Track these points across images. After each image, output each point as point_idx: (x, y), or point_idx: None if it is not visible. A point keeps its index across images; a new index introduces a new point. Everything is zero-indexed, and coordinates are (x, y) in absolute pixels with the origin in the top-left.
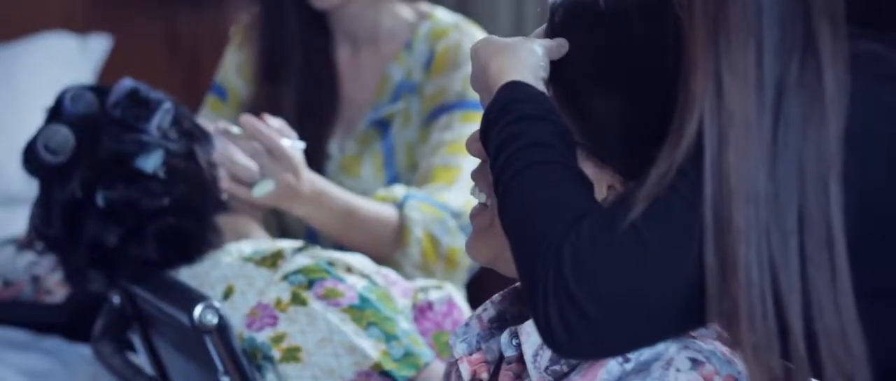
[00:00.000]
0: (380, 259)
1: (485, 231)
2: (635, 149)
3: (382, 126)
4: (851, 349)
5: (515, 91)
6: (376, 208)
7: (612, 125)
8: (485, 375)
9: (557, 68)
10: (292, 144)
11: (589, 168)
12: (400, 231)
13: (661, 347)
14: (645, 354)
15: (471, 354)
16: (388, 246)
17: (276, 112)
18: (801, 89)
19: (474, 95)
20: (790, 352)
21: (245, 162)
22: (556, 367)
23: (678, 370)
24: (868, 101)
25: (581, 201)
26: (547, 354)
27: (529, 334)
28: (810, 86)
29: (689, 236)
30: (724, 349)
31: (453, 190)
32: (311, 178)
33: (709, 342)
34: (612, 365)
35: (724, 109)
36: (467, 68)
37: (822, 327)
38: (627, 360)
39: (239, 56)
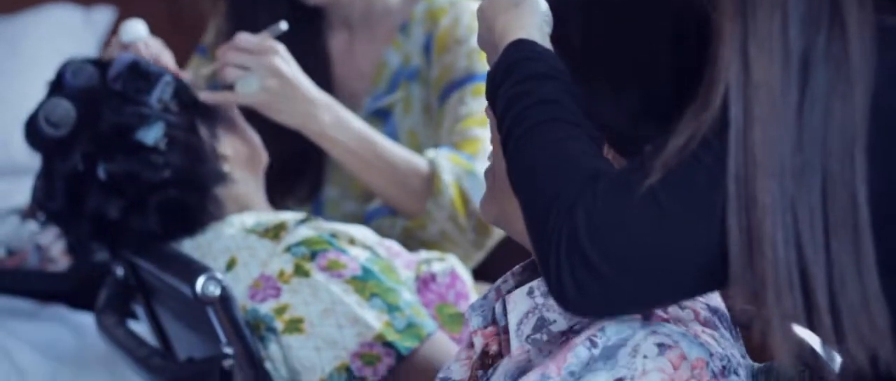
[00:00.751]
0: (409, 211)
1: (491, 190)
2: (629, 126)
3: (383, 115)
4: (875, 323)
5: (522, 49)
6: (405, 151)
7: (606, 102)
8: (495, 347)
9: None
10: (270, 31)
11: None
12: (431, 180)
13: (627, 331)
14: (612, 339)
15: (486, 327)
16: (418, 195)
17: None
18: (828, 62)
19: (482, 68)
20: (815, 325)
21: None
22: (538, 336)
23: (645, 356)
24: (894, 75)
25: (593, 159)
26: (531, 323)
27: (516, 303)
28: (836, 59)
29: (710, 205)
30: (698, 330)
31: (477, 160)
32: (307, 83)
33: (682, 325)
34: (580, 350)
35: (750, 81)
36: (470, 43)
37: (846, 300)
38: (594, 345)
39: (226, 24)
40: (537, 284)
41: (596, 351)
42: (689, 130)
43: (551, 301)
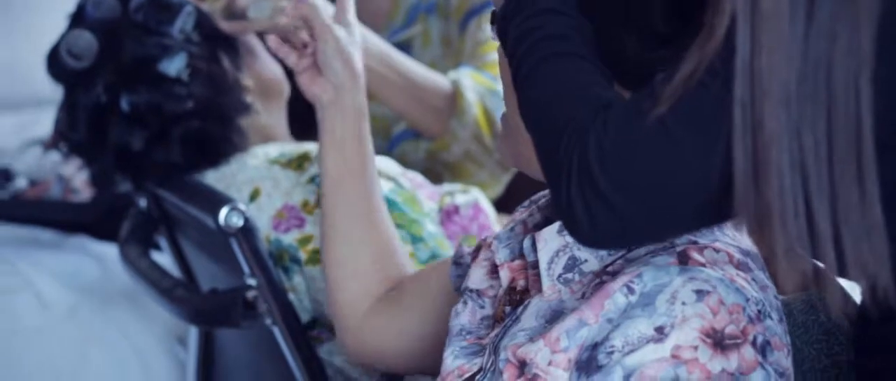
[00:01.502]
0: (433, 130)
1: (506, 131)
2: (637, 56)
3: (402, 49)
4: (876, 251)
5: None
6: (427, 70)
7: (613, 32)
8: (522, 282)
9: None
10: None
11: None
12: (454, 99)
13: (665, 278)
14: (649, 285)
15: (512, 260)
16: (441, 114)
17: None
18: None
19: None
20: (818, 254)
21: None
22: (569, 275)
23: (683, 303)
24: None
25: (603, 90)
26: (562, 261)
27: (546, 241)
28: None
29: (718, 132)
30: (734, 275)
31: (499, 80)
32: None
33: (718, 268)
34: (618, 297)
35: (756, 8)
36: None
37: (849, 229)
38: (632, 292)
39: None
40: None
41: (633, 298)
42: (695, 59)
43: None
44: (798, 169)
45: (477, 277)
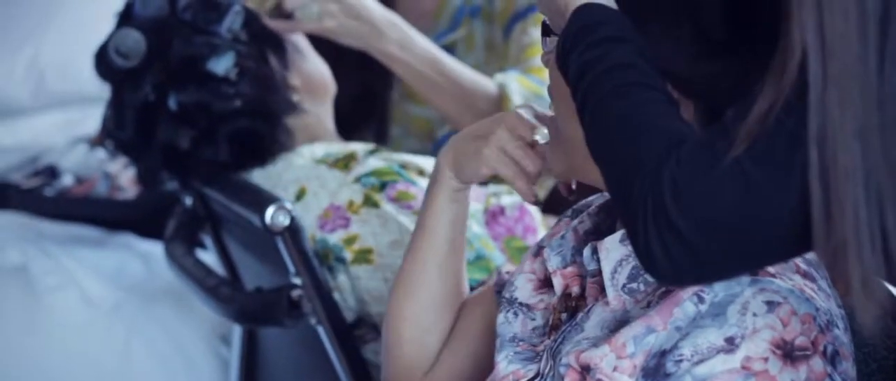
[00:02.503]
0: None
1: (555, 140)
2: (689, 66)
3: (446, 52)
4: None
5: (592, 13)
6: (473, 73)
7: (664, 42)
8: (576, 288)
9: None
10: None
11: None
12: (499, 102)
13: (736, 288)
14: (720, 295)
15: (565, 267)
16: (487, 117)
17: (330, 42)
18: None
19: None
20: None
21: None
22: (634, 285)
23: (754, 314)
24: None
25: (674, 123)
26: (625, 271)
27: (609, 250)
28: None
29: (794, 168)
30: (803, 285)
31: (545, 85)
32: (370, 1)
33: (787, 278)
34: (687, 305)
35: (826, 45)
36: None
37: None
38: (702, 300)
39: None
40: None
41: (703, 307)
42: (770, 97)
43: None
44: (875, 202)
45: (526, 291)
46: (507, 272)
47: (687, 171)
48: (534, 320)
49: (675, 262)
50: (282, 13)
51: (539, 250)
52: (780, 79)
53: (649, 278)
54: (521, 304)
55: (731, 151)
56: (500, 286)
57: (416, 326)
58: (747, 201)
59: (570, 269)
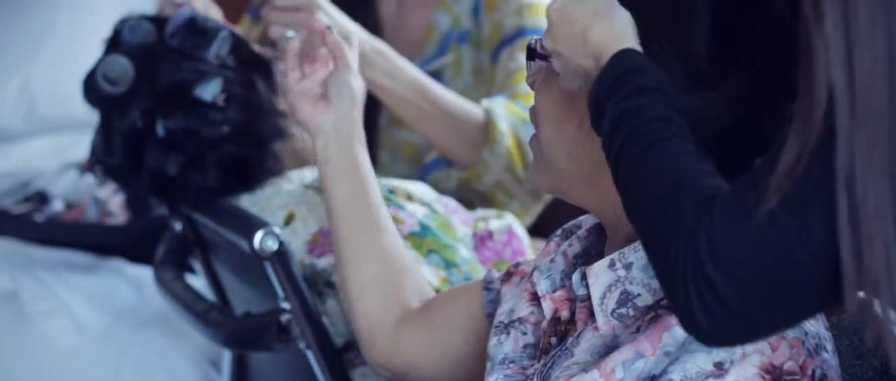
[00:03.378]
0: (465, 160)
1: (540, 161)
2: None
3: (434, 78)
4: None
5: (626, 61)
6: (460, 99)
7: (671, 70)
8: (566, 312)
9: None
10: None
11: None
12: (486, 128)
13: None
14: None
15: (554, 291)
16: (473, 144)
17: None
18: None
19: (531, 23)
20: None
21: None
22: (623, 310)
23: None
24: None
25: (707, 179)
26: (614, 296)
27: (597, 276)
28: None
29: (827, 217)
30: None
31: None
32: (357, 31)
33: None
34: (676, 330)
35: (855, 86)
36: None
37: None
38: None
39: None
40: (618, 256)
41: None
42: (797, 145)
43: (634, 274)
44: None
45: (520, 305)
46: (498, 271)
47: (721, 228)
48: (525, 334)
49: (718, 323)
50: (269, 41)
51: (532, 271)
52: (805, 125)
53: (638, 304)
54: (512, 321)
55: (763, 204)
56: (489, 282)
57: (361, 281)
58: (784, 252)
59: (559, 293)
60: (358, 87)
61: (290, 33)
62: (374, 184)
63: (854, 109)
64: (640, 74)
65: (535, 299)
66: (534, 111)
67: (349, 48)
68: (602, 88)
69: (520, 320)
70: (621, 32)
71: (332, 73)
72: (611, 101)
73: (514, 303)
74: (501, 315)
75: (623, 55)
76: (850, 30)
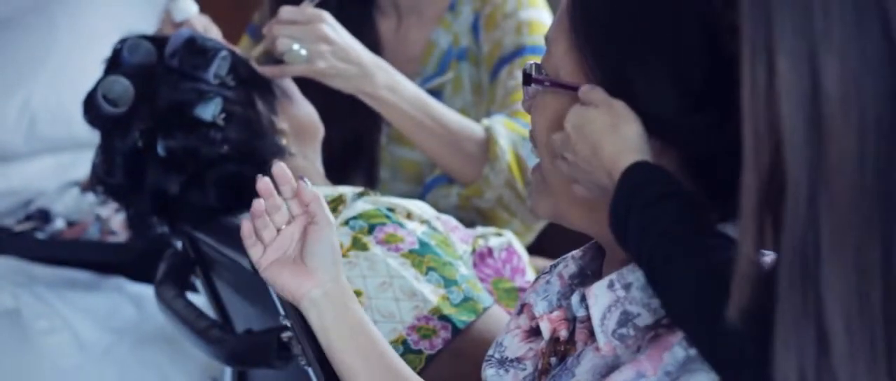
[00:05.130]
0: (466, 177)
1: (542, 190)
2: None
3: (433, 95)
4: None
5: (639, 173)
6: (460, 117)
7: (662, 92)
8: (564, 332)
9: (585, 20)
10: (309, 0)
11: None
12: (487, 145)
13: None
14: None
15: (551, 312)
16: (474, 160)
17: (319, 86)
18: None
19: (530, 41)
20: None
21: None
22: (624, 330)
23: None
24: None
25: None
26: (614, 317)
27: (597, 297)
28: None
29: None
30: None
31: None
32: (358, 46)
33: None
34: (677, 350)
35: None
36: (519, 16)
37: None
38: (692, 345)
39: (271, 2)
40: (617, 277)
41: (693, 351)
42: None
43: (633, 294)
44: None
45: (513, 346)
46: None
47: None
48: (524, 369)
49: None
50: (271, 58)
51: (522, 307)
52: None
53: (639, 323)
54: (510, 360)
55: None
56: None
57: None
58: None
59: (556, 313)
60: (337, 244)
61: (296, 46)
62: (379, 335)
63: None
64: (653, 184)
65: (529, 336)
66: (532, 136)
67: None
68: (620, 204)
69: (518, 359)
70: (630, 146)
71: (312, 232)
72: (631, 218)
73: (501, 338)
74: (491, 349)
75: (632, 170)
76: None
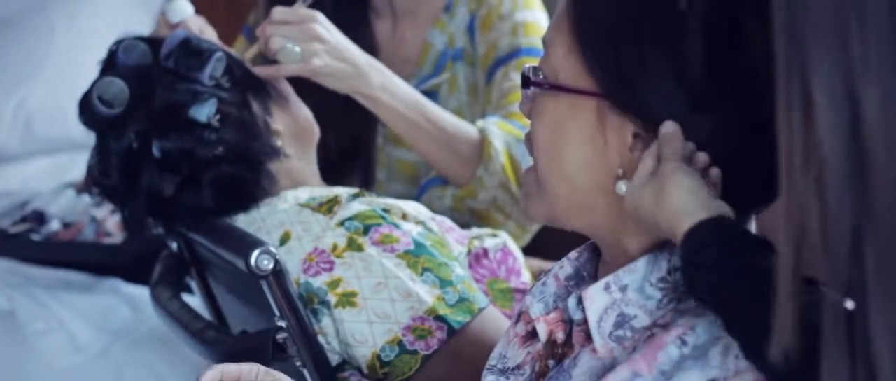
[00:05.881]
0: (460, 178)
1: (534, 191)
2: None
3: (429, 97)
4: None
5: (699, 239)
6: (455, 118)
7: (626, 63)
8: (561, 334)
9: (586, 22)
10: (302, 1)
11: (612, 120)
12: (481, 146)
13: (718, 330)
14: (702, 337)
15: (548, 313)
16: (468, 161)
17: (315, 88)
18: None
19: (526, 43)
20: None
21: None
22: (620, 332)
23: (737, 356)
24: None
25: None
26: (611, 319)
27: (593, 299)
28: None
29: None
30: None
31: (526, 129)
32: (352, 46)
33: None
34: (671, 349)
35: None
36: (514, 17)
37: None
38: (685, 344)
39: (266, 3)
40: (613, 279)
41: (686, 350)
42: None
43: (629, 296)
44: None
45: (512, 352)
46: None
47: None
48: (523, 374)
49: None
50: (265, 59)
51: (519, 317)
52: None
53: (635, 325)
54: (511, 369)
55: None
56: None
57: None
58: None
59: (552, 315)
60: None
61: (290, 44)
62: None
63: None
64: (712, 248)
65: (527, 340)
66: (529, 139)
67: None
68: (689, 269)
69: (518, 366)
70: (686, 209)
71: None
72: (702, 278)
73: (503, 348)
74: (493, 359)
75: (692, 236)
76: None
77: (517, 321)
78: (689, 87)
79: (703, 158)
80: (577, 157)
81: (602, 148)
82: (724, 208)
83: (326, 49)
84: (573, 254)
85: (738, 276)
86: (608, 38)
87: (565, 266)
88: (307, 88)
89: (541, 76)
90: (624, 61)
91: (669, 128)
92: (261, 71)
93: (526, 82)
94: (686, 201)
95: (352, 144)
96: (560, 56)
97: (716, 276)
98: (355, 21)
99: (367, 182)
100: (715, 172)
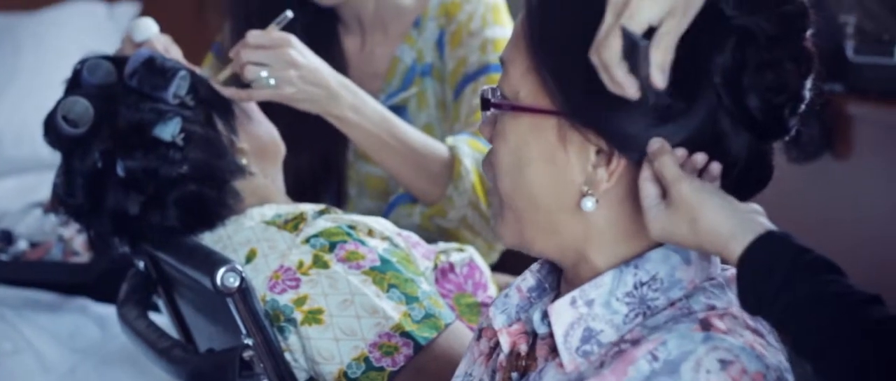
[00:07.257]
0: (430, 196)
1: (500, 214)
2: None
3: (397, 111)
4: None
5: (752, 261)
6: (425, 136)
7: (585, 80)
8: (524, 346)
9: (542, 40)
10: (276, 22)
11: (574, 138)
12: (451, 165)
13: (689, 345)
14: (673, 353)
15: (510, 325)
16: (438, 180)
17: (286, 109)
18: None
19: (495, 59)
20: None
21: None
22: (587, 347)
23: (708, 371)
24: None
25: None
26: (577, 334)
27: (559, 314)
28: None
29: None
30: (753, 341)
31: None
32: (326, 68)
33: (738, 335)
34: (642, 363)
35: None
36: (484, 34)
37: None
38: (656, 359)
39: (236, 23)
40: (578, 293)
41: (657, 365)
42: None
43: (596, 310)
44: None
45: (474, 369)
46: None
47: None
48: None
49: None
50: (238, 81)
51: (480, 333)
52: None
53: (602, 340)
54: None
55: None
56: None
57: None
58: None
59: (515, 326)
60: None
61: (265, 74)
62: None
63: None
64: (773, 272)
65: (491, 356)
66: (489, 163)
67: None
68: (747, 294)
69: (471, 358)
70: (729, 231)
71: None
72: (765, 297)
73: (468, 366)
74: (458, 377)
75: (750, 256)
76: None
77: (479, 337)
78: (651, 101)
79: (700, 158)
80: (539, 177)
81: (564, 166)
82: (758, 214)
83: (300, 75)
84: (535, 266)
85: (815, 304)
86: (565, 55)
87: (527, 278)
88: (277, 108)
89: (499, 96)
90: (582, 78)
91: (656, 145)
92: (233, 93)
93: (486, 105)
94: (723, 222)
95: (323, 163)
96: (519, 76)
97: (791, 309)
98: (326, 37)
99: (339, 200)
100: (715, 166)
